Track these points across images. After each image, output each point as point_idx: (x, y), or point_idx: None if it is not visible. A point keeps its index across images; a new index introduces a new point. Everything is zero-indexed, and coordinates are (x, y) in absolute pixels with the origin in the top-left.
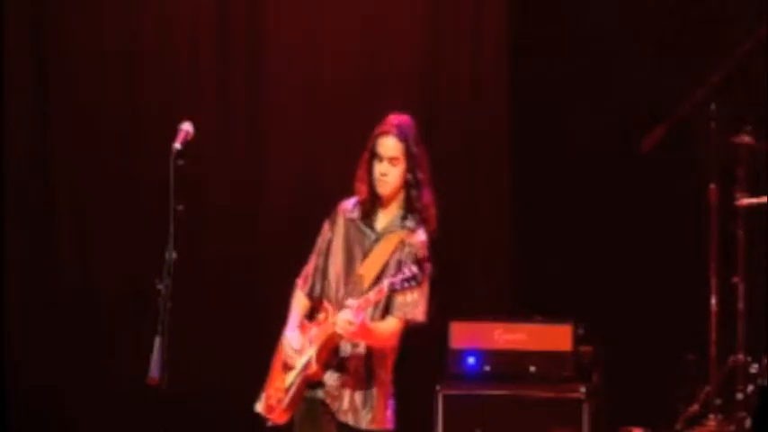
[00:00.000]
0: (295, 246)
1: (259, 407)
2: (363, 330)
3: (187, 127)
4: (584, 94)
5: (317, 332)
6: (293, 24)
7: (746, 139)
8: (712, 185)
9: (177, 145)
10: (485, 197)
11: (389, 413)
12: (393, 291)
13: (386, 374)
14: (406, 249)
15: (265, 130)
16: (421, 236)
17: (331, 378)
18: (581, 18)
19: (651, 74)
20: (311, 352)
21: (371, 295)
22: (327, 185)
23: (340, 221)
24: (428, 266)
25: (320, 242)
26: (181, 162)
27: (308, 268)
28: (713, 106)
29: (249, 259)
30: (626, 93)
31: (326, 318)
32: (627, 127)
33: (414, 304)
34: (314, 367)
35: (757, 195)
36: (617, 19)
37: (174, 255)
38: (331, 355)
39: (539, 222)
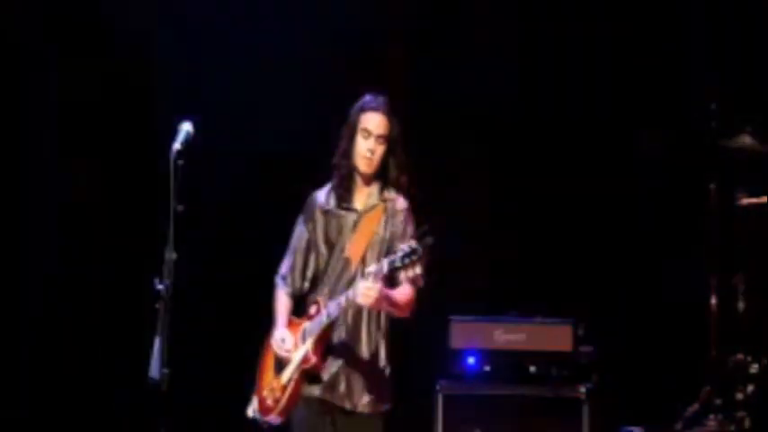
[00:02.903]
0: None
1: (251, 411)
2: (383, 297)
3: (187, 127)
4: (585, 93)
5: (310, 325)
6: None
7: (746, 139)
8: (712, 185)
9: (177, 145)
10: (485, 197)
11: (387, 393)
12: (393, 269)
13: (383, 354)
14: (397, 217)
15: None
16: (403, 203)
17: (326, 370)
18: (581, 16)
19: (651, 72)
20: (308, 344)
21: (373, 269)
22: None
23: (317, 217)
24: (429, 239)
25: (295, 239)
26: (181, 162)
27: (285, 267)
28: (713, 106)
29: (249, 260)
30: (626, 91)
31: (318, 311)
32: (627, 126)
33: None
34: (312, 360)
35: (757, 195)
36: (617, 16)
37: (174, 255)
38: (327, 346)
39: (539, 222)
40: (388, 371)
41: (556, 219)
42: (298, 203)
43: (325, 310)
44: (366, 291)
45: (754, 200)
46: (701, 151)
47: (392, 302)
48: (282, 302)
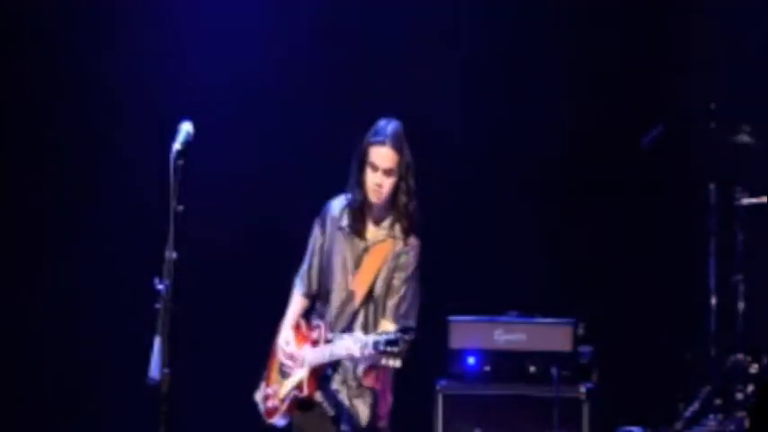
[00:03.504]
0: (296, 243)
1: (258, 396)
2: (366, 357)
3: (187, 127)
4: (585, 92)
5: (311, 354)
6: None
7: (746, 139)
8: (712, 185)
9: (177, 145)
10: (485, 197)
11: (385, 411)
12: (376, 351)
13: (381, 375)
14: (402, 258)
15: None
16: (412, 241)
17: (327, 399)
18: (581, 16)
19: (651, 72)
20: (303, 374)
21: (361, 342)
22: (328, 185)
23: (330, 227)
24: (411, 335)
25: (312, 242)
26: (181, 162)
27: (304, 268)
28: (713, 106)
29: (250, 257)
30: (627, 91)
31: (318, 338)
32: (628, 126)
33: (406, 312)
34: (306, 391)
35: (757, 195)
36: (616, 17)
37: (174, 255)
38: (322, 377)
39: (539, 222)
40: (389, 386)
41: (556, 218)
42: (300, 204)
43: (329, 348)
44: (348, 356)
45: (754, 200)
46: (701, 150)
47: (375, 358)
48: (296, 303)
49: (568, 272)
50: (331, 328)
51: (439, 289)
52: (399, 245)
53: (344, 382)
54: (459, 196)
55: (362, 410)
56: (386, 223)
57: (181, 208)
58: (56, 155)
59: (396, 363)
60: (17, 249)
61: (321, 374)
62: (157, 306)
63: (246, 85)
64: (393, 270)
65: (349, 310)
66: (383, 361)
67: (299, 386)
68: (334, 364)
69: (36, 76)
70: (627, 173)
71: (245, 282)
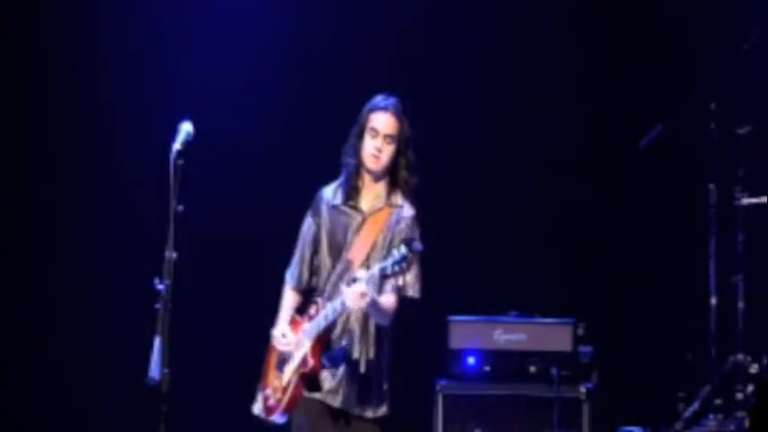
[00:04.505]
0: (295, 242)
1: (256, 409)
2: (372, 302)
3: (187, 127)
4: (584, 92)
5: (309, 327)
6: None
7: (746, 139)
8: (712, 185)
9: (177, 145)
10: (485, 197)
11: (387, 397)
12: (385, 275)
13: (382, 361)
14: (400, 225)
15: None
16: (409, 210)
17: (327, 376)
18: (581, 16)
19: (651, 72)
20: (306, 347)
21: (365, 275)
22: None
23: (323, 211)
24: (418, 245)
25: (303, 233)
26: (181, 162)
27: (294, 261)
28: (713, 106)
29: (250, 258)
30: (626, 91)
31: (316, 311)
32: (628, 126)
33: (410, 282)
34: (311, 363)
35: (757, 195)
36: (616, 17)
37: (174, 255)
38: (325, 348)
39: (539, 222)
40: (387, 376)
41: (556, 219)
42: (299, 201)
43: (323, 311)
44: (358, 296)
45: (754, 200)
46: (701, 150)
47: (378, 308)
48: (288, 298)
49: (568, 272)
50: (329, 299)
51: (439, 289)
52: (396, 213)
53: (350, 344)
54: (459, 196)
55: (364, 399)
56: (382, 192)
57: (181, 208)
58: (56, 155)
59: (407, 277)
60: (17, 250)
61: (323, 346)
62: (157, 306)
63: (246, 86)
64: (391, 239)
65: (347, 279)
66: (393, 281)
67: (303, 362)
68: (335, 352)
69: (36, 75)
70: (627, 173)
71: (245, 281)
